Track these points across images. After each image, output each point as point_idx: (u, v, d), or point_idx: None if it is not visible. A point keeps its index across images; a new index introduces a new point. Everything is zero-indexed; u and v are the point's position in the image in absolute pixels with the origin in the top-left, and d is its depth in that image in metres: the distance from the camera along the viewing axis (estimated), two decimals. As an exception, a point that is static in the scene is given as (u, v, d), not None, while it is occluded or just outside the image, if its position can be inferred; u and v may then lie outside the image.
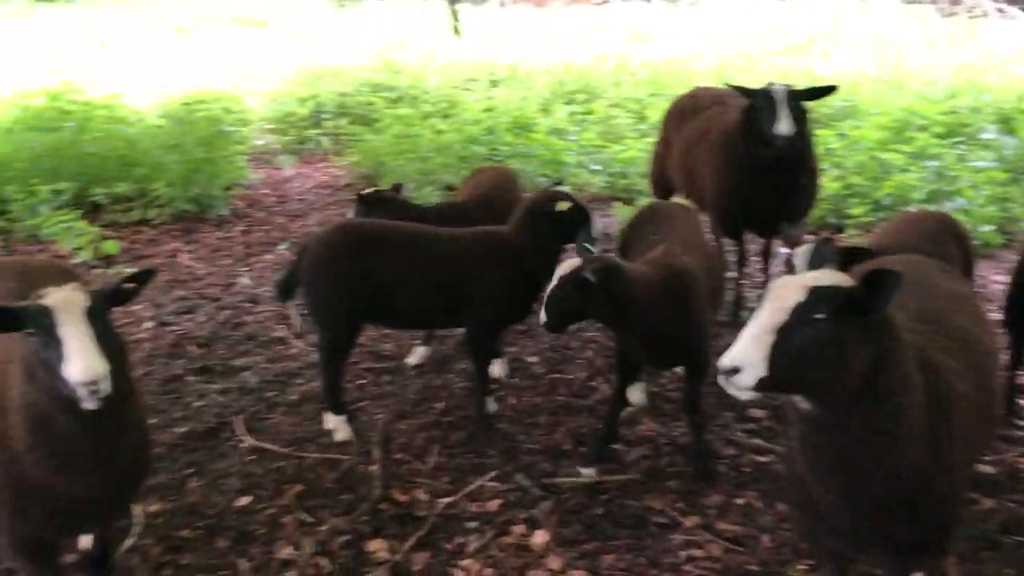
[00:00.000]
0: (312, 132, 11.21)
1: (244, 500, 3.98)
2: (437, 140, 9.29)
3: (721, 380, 2.26)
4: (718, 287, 4.27)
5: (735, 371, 2.20)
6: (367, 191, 5.11)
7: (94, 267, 7.07)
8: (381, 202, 4.95)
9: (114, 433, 2.53)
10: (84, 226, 7.45)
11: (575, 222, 4.11)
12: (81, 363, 2.27)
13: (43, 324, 2.34)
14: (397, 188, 5.35)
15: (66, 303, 2.37)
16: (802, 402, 2.31)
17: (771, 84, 4.83)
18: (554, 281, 3.53)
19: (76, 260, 7.12)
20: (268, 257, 7.41)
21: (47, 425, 2.45)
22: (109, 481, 2.60)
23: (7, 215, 7.89)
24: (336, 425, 4.45)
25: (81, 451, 2.48)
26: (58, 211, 7.70)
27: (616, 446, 4.28)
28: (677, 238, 4.08)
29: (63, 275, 3.13)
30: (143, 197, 8.36)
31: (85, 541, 3.42)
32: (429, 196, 8.28)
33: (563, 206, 4.13)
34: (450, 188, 8.79)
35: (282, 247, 7.62)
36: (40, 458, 2.49)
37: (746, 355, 2.19)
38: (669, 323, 3.67)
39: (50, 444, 2.47)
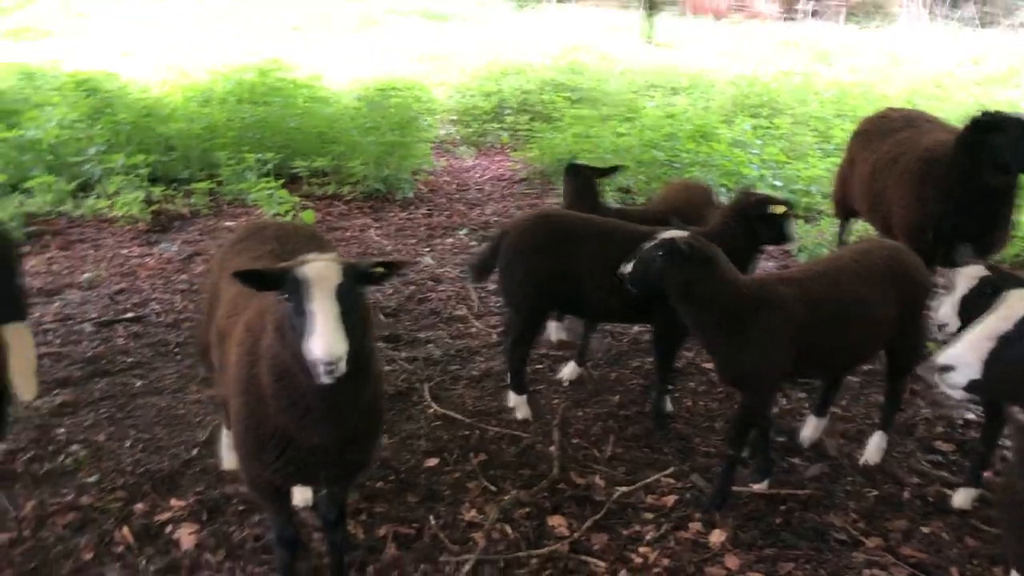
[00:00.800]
0: (493, 126, 11.54)
1: (432, 461, 4.21)
2: (617, 142, 9.38)
3: (935, 376, 2.31)
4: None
5: (948, 369, 2.27)
6: (579, 162, 5.36)
7: (292, 233, 7.57)
8: (583, 177, 5.17)
9: (349, 393, 2.64)
10: (285, 195, 8.00)
11: (782, 224, 4.15)
12: (323, 342, 2.36)
13: (297, 294, 2.44)
14: (612, 169, 5.52)
15: (320, 277, 2.45)
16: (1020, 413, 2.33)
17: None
18: (652, 241, 3.60)
19: (276, 225, 7.66)
20: (449, 240, 7.72)
21: (289, 378, 2.60)
22: (342, 435, 2.76)
23: (217, 178, 8.54)
24: (518, 404, 4.62)
25: (317, 406, 2.62)
26: (262, 179, 8.30)
27: (795, 460, 4.26)
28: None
29: (316, 241, 3.42)
30: (337, 173, 8.87)
31: (299, 498, 3.70)
32: (606, 197, 8.37)
33: (777, 209, 4.15)
34: (626, 191, 8.88)
35: (462, 232, 7.91)
36: (281, 406, 2.67)
37: (962, 356, 2.26)
38: (728, 338, 3.63)
39: (290, 395, 2.63)
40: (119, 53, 17.63)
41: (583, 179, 5.33)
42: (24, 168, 8.20)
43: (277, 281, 2.51)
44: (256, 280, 2.56)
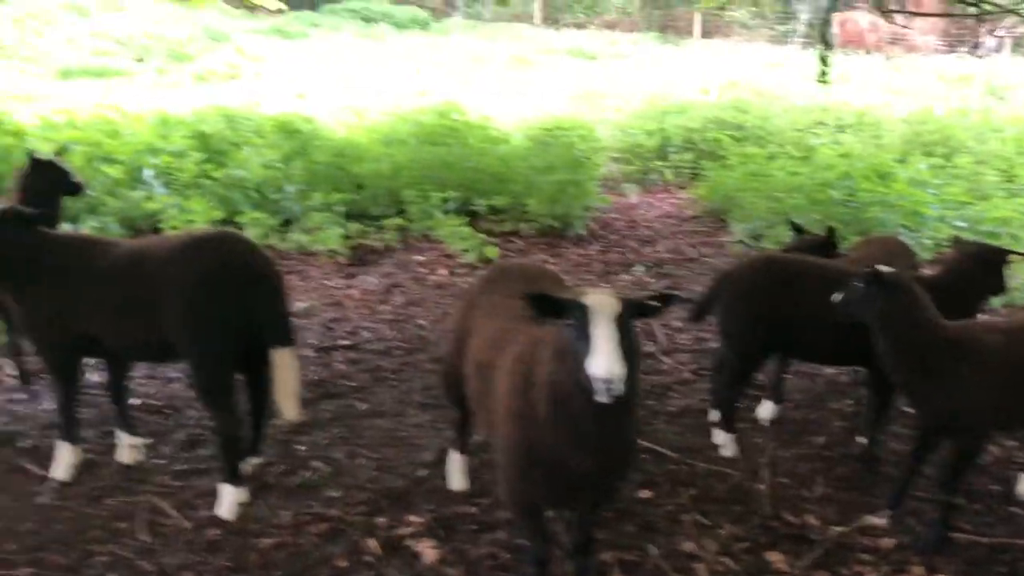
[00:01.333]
0: (657, 164, 11.73)
1: (644, 493, 4.39)
2: (789, 181, 9.39)
3: None
4: None
5: None
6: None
7: (477, 268, 7.96)
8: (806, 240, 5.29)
9: (617, 424, 2.90)
10: (469, 232, 8.42)
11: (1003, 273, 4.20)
12: (604, 362, 2.60)
13: (580, 319, 2.71)
14: (830, 232, 5.51)
15: (602, 306, 2.72)
16: None
17: None
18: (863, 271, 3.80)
19: (462, 260, 8.07)
20: (626, 277, 7.93)
21: (565, 403, 2.85)
22: (604, 463, 2.99)
23: (405, 215, 9.07)
24: (726, 442, 4.75)
25: (588, 432, 2.87)
26: (447, 216, 8.77)
27: (1014, 509, 4.21)
28: None
29: (559, 282, 3.72)
30: (513, 210, 9.26)
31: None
32: (781, 236, 8.39)
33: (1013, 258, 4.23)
34: (798, 230, 8.84)
35: (638, 269, 8.11)
36: (556, 430, 2.92)
37: None
38: (924, 382, 3.67)
39: (565, 419, 2.88)
40: (293, 95, 18.89)
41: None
42: (233, 204, 8.95)
43: (563, 308, 2.80)
44: (545, 305, 2.86)
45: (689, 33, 34.07)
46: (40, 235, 4.07)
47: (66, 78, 19.54)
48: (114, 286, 3.93)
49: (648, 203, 10.70)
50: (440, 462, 4.59)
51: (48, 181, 5.39)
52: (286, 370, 3.94)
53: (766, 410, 5.19)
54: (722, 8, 30.92)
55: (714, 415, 4.92)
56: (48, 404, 5.26)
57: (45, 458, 4.60)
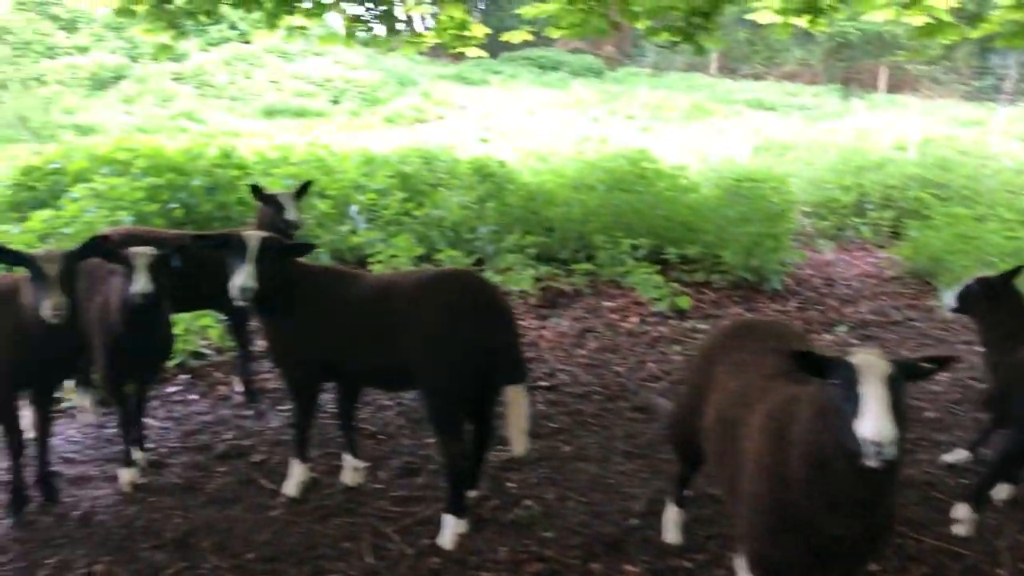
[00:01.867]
0: (854, 220, 11.30)
1: (873, 567, 4.15)
2: (1004, 245, 8.81)
3: None
4: None
5: None
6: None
7: (669, 318, 7.89)
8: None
9: (880, 489, 2.74)
10: (662, 280, 8.36)
11: None
12: (874, 424, 2.49)
13: (847, 378, 2.61)
14: None
15: (870, 366, 2.61)
16: None
17: None
18: None
19: (654, 309, 8.02)
20: (828, 337, 7.63)
21: (826, 464, 2.74)
22: (863, 530, 2.83)
23: (594, 260, 9.12)
24: (966, 519, 4.45)
25: (849, 496, 2.73)
26: (638, 263, 8.75)
27: None
28: None
29: (802, 338, 3.62)
30: (704, 260, 9.13)
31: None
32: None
33: None
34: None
35: (841, 329, 7.79)
36: (812, 492, 2.80)
37: None
38: None
39: (823, 481, 2.76)
40: (476, 138, 19.56)
41: None
42: (430, 242, 9.29)
43: (829, 366, 2.71)
44: (809, 362, 2.77)
45: (874, 86, 32.91)
46: (296, 265, 4.35)
47: (269, 117, 21.07)
48: (362, 316, 4.15)
49: (845, 260, 10.30)
50: (651, 512, 4.53)
51: (271, 215, 5.78)
52: (519, 406, 4.02)
53: (1003, 490, 4.83)
54: (918, 61, 29.69)
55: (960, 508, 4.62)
56: (276, 422, 5.59)
57: (273, 472, 4.89)
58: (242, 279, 4.08)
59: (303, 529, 4.36)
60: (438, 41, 11.05)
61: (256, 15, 10.10)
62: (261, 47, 25.15)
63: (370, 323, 4.13)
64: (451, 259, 8.68)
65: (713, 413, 3.49)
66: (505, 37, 10.18)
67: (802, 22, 8.77)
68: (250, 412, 5.76)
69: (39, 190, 9.22)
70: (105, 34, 23.48)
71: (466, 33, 10.90)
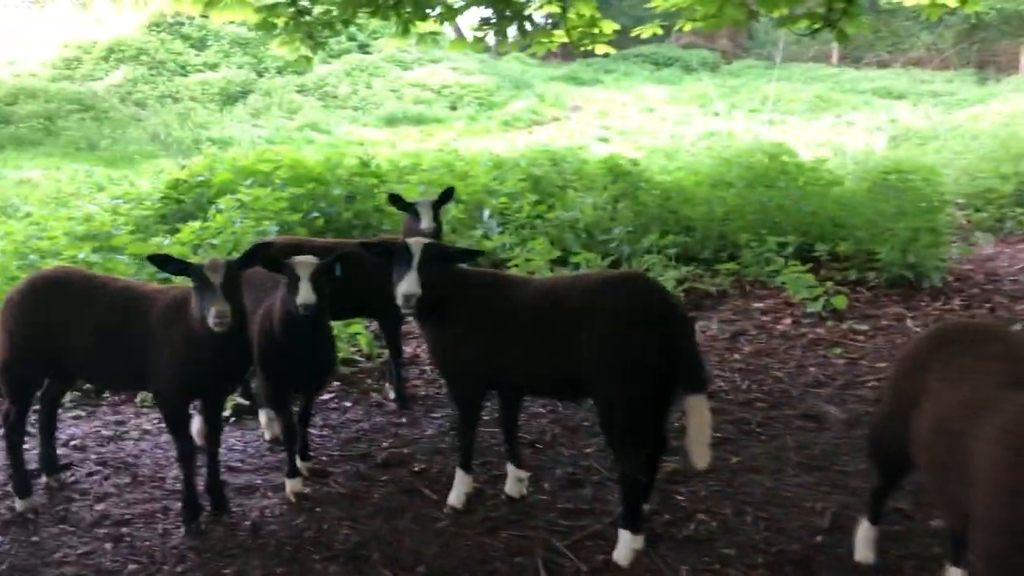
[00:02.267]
0: (1017, 211, 10.54)
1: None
2: None
3: None
4: None
5: None
6: None
7: (824, 319, 7.48)
8: None
9: None
10: (811, 279, 7.94)
11: None
12: None
13: None
14: None
15: None
16: None
17: None
18: None
19: (808, 310, 7.62)
20: (1001, 337, 7.06)
21: None
22: None
23: (738, 260, 8.77)
24: None
25: None
26: (787, 261, 8.35)
27: None
28: None
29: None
30: (857, 257, 8.64)
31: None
32: None
33: None
34: None
35: (1016, 328, 7.21)
36: None
37: None
38: None
39: None
40: (594, 138, 19.35)
41: None
42: (564, 244, 9.14)
43: None
44: None
45: (1014, 68, 30.95)
46: (460, 272, 4.24)
47: (390, 125, 21.40)
48: (531, 324, 4.00)
49: (1007, 254, 9.60)
50: (837, 528, 4.22)
51: (411, 223, 5.71)
52: (701, 416, 3.78)
53: None
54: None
55: None
56: (430, 430, 5.53)
57: (435, 482, 4.80)
58: (407, 286, 4.00)
59: (471, 542, 4.24)
60: (566, 40, 10.89)
61: (384, 23, 10.17)
62: (380, 57, 25.63)
63: (540, 331, 3.99)
64: (587, 261, 8.50)
65: (930, 424, 3.18)
66: (636, 32, 9.95)
67: (953, 1, 8.20)
68: (404, 419, 5.72)
69: (185, 202, 9.53)
70: (232, 50, 24.37)
71: (595, 30, 10.69)
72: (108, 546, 4.26)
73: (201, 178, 9.54)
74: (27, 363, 4.41)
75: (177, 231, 8.22)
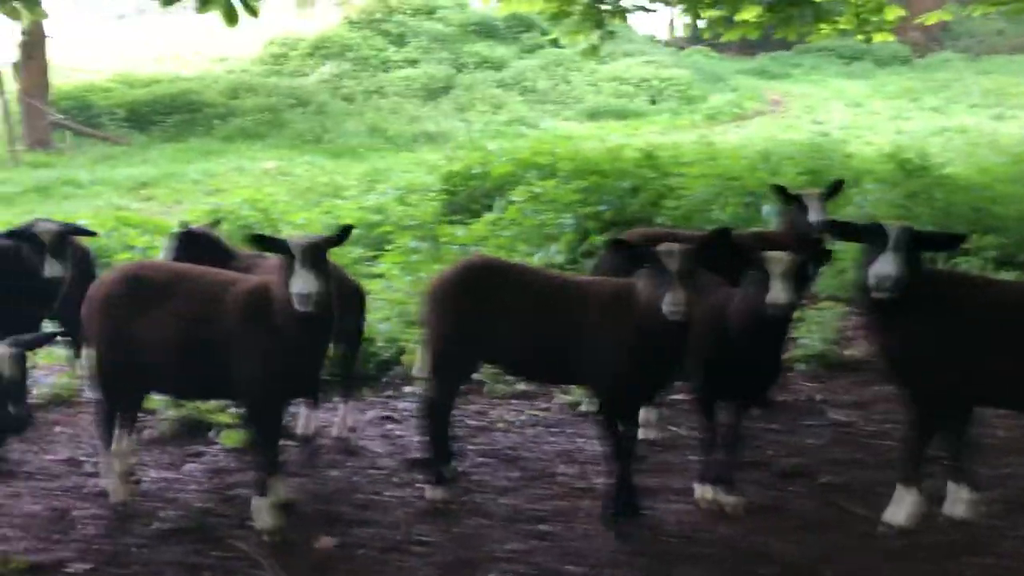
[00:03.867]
0: None
1: None
2: None
3: None
4: None
5: None
6: None
7: None
8: None
9: None
10: None
11: None
12: None
13: None
14: None
15: None
16: None
17: None
18: None
19: None
20: None
21: None
22: None
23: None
24: None
25: None
26: None
27: None
28: None
29: None
30: None
31: None
32: None
33: None
34: None
35: None
36: None
37: None
38: None
39: None
40: (813, 133, 18.48)
41: None
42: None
43: None
44: None
45: None
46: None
47: (593, 119, 21.18)
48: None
49: None
50: None
51: (793, 216, 5.38)
52: None
53: None
54: None
55: None
56: (811, 439, 5.18)
57: (852, 495, 4.44)
58: (887, 267, 3.67)
59: (930, 568, 3.86)
60: (846, 28, 10.31)
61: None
62: (573, 51, 25.45)
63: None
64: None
65: None
66: (920, 20, 9.28)
67: None
68: (775, 426, 5.39)
69: (457, 195, 9.58)
70: (431, 47, 24.75)
71: (876, 18, 10.08)
72: (534, 543, 4.14)
73: (476, 171, 9.55)
74: (463, 350, 4.34)
75: (461, 223, 8.24)
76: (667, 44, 31.38)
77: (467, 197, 9.50)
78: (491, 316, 4.22)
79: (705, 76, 25.77)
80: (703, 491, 4.38)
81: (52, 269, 4.81)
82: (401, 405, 5.73)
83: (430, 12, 26.06)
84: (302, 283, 3.71)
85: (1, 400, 3.08)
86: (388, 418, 5.57)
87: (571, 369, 4.20)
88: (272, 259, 5.53)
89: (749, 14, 9.57)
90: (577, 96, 22.64)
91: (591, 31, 8.60)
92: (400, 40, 25.46)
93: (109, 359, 4.32)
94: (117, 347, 4.25)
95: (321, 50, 24.82)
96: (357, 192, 10.98)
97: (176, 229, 5.31)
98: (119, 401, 4.47)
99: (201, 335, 4.11)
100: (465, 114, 20.69)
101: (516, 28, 26.44)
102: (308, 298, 3.72)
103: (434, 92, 22.80)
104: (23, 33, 15.85)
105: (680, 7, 9.53)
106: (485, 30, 25.97)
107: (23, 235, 4.95)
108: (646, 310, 3.81)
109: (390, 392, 5.97)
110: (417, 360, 4.77)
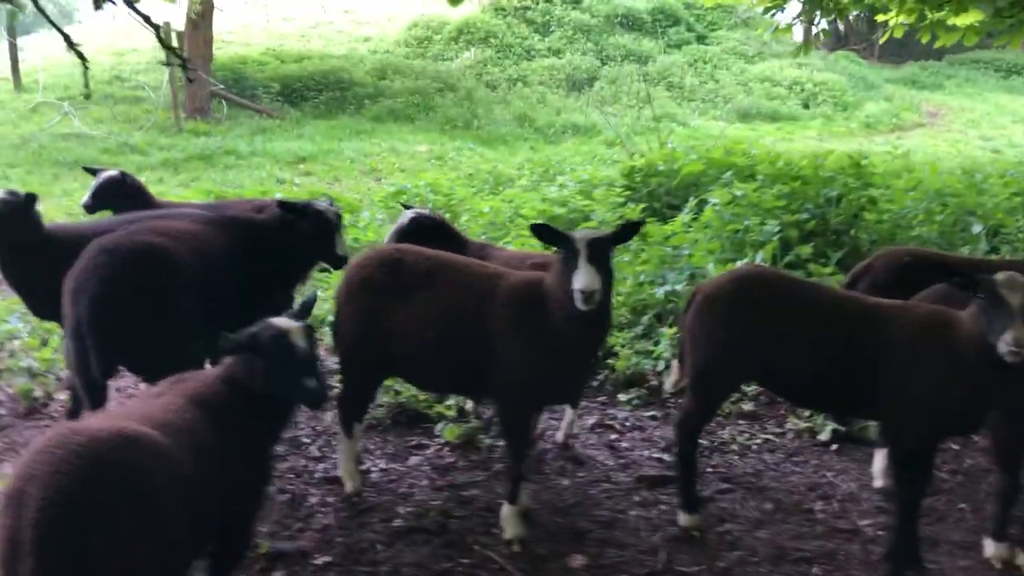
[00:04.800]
0: None
1: None
2: None
3: None
4: None
5: None
6: None
7: None
8: None
9: None
10: None
11: None
12: None
13: None
14: None
15: None
16: None
17: None
18: None
19: None
20: None
21: None
22: None
23: None
24: None
25: None
26: None
27: None
28: None
29: None
30: None
31: None
32: None
33: None
34: None
35: None
36: None
37: None
38: None
39: None
40: (979, 149, 17.36)
41: None
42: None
43: None
44: None
45: None
46: None
47: (744, 119, 20.44)
48: None
49: None
50: None
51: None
52: None
53: None
54: None
55: None
56: None
57: None
58: None
59: None
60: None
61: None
62: (721, 49, 24.72)
63: None
64: None
65: None
66: None
67: None
68: None
69: (639, 192, 9.21)
70: (576, 37, 24.36)
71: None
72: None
73: (661, 168, 9.15)
74: (732, 367, 4.00)
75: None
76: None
77: (648, 195, 9.11)
78: (771, 333, 3.85)
79: (856, 82, 24.62)
80: (998, 550, 3.92)
81: (343, 248, 4.69)
82: (621, 415, 5.42)
83: (576, 1, 25.67)
84: (585, 279, 3.44)
85: (296, 374, 2.91)
86: (608, 427, 5.27)
87: (866, 397, 3.79)
88: (505, 251, 5.36)
89: (971, 18, 8.89)
90: (726, 95, 21.89)
91: (810, 24, 8.07)
92: (545, 29, 25.17)
93: (359, 345, 4.16)
94: (370, 333, 4.07)
95: (465, 35, 24.71)
96: (528, 182, 10.71)
97: (406, 211, 5.13)
98: (361, 388, 4.31)
99: (464, 329, 3.89)
100: (610, 108, 20.21)
101: (663, 22, 25.84)
102: (591, 296, 3.44)
103: (577, 83, 22.43)
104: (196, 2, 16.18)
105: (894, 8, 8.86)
106: (631, 22, 25.46)
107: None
108: (975, 345, 3.39)
109: (603, 398, 5.66)
110: (672, 374, 4.44)
